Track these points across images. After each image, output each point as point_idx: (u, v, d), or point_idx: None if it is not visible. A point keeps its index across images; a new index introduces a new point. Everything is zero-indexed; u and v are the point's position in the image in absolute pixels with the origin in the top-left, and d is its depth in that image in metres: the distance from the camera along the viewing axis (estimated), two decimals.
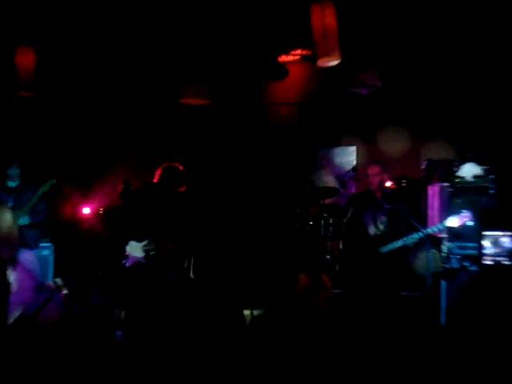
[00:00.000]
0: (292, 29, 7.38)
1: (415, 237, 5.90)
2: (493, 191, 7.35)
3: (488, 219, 7.08)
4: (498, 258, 6.78)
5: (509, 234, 6.84)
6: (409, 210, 6.40)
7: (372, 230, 6.21)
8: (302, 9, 6.51)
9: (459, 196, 7.38)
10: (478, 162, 7.45)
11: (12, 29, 7.10)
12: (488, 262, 6.81)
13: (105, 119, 8.52)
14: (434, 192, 7.72)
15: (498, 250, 6.86)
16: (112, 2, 6.84)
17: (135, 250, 6.15)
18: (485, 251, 6.85)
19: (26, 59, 7.24)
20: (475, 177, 7.41)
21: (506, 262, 6.69)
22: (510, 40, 7.24)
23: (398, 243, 5.99)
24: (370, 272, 6.09)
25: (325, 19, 6.44)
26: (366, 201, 6.29)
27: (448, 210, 7.30)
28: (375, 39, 7.65)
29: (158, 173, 6.46)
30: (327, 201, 7.97)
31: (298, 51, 8.41)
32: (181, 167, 6.53)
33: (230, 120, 8.59)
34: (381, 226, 6.22)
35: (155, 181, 6.31)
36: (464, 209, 6.63)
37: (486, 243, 6.86)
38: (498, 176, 7.41)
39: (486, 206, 7.21)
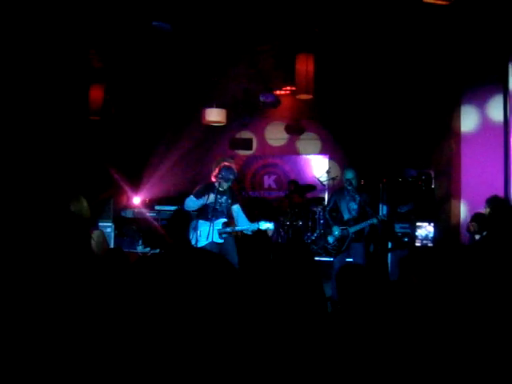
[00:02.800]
0: (284, 73, 9.18)
1: (374, 220, 6.95)
2: (423, 188, 9.32)
3: (420, 211, 8.75)
4: (425, 242, 8.52)
5: (432, 224, 8.59)
6: (366, 202, 7.61)
7: (346, 215, 7.11)
8: (291, 60, 8.05)
9: (401, 191, 9.23)
10: (414, 168, 9.49)
11: (88, 72, 9.09)
12: (418, 244, 8.54)
13: (150, 136, 10.53)
14: (383, 189, 9.55)
15: (426, 236, 8.57)
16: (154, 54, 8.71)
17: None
18: (417, 237, 8.57)
19: (96, 93, 9.31)
20: (412, 177, 9.35)
21: (430, 244, 8.55)
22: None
23: (363, 224, 6.99)
24: (345, 245, 7.07)
25: (306, 66, 7.87)
26: (343, 194, 7.23)
27: (393, 201, 9.19)
28: (343, 82, 9.65)
29: (217, 170, 6.65)
30: (309, 194, 10.44)
31: (288, 87, 10.27)
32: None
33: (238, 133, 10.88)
34: (352, 212, 7.12)
35: (213, 176, 6.49)
36: (405, 200, 8.47)
37: (418, 231, 8.59)
38: (427, 177, 9.42)
39: (419, 199, 8.77)
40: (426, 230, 8.64)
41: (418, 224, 8.63)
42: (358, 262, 7.00)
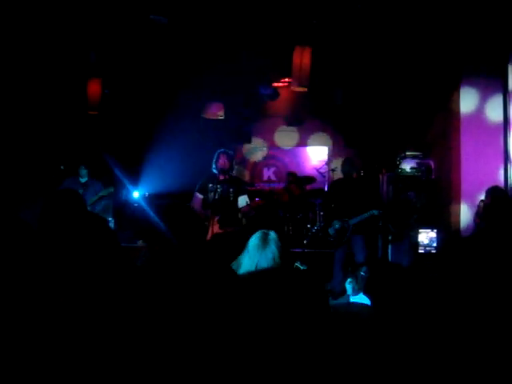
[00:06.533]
0: (282, 64, 8.86)
1: (374, 211, 6.94)
2: (423, 178, 9.28)
3: (420, 202, 8.78)
4: (428, 248, 8.30)
5: (435, 230, 8.32)
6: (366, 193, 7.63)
7: (346, 207, 7.07)
8: (289, 52, 8.00)
9: (401, 181, 9.20)
10: (413, 158, 9.44)
11: (86, 66, 9.04)
12: (421, 251, 8.29)
13: (149, 130, 10.51)
14: (383, 180, 9.64)
15: (428, 243, 8.30)
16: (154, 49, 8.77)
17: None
18: (420, 243, 8.30)
19: (94, 88, 9.24)
20: (411, 168, 9.36)
21: (433, 251, 8.23)
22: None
23: (363, 216, 6.98)
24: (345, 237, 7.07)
25: (302, 59, 7.87)
26: (342, 185, 7.35)
27: (392, 192, 9.26)
28: (340, 72, 9.63)
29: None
30: (309, 186, 10.45)
31: (286, 79, 10.12)
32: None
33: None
34: (352, 204, 7.05)
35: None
36: (404, 190, 8.82)
37: (420, 238, 8.29)
38: (426, 168, 9.38)
39: (419, 190, 8.94)
40: (427, 236, 8.30)
41: (420, 230, 8.25)
42: (358, 254, 7.00)
